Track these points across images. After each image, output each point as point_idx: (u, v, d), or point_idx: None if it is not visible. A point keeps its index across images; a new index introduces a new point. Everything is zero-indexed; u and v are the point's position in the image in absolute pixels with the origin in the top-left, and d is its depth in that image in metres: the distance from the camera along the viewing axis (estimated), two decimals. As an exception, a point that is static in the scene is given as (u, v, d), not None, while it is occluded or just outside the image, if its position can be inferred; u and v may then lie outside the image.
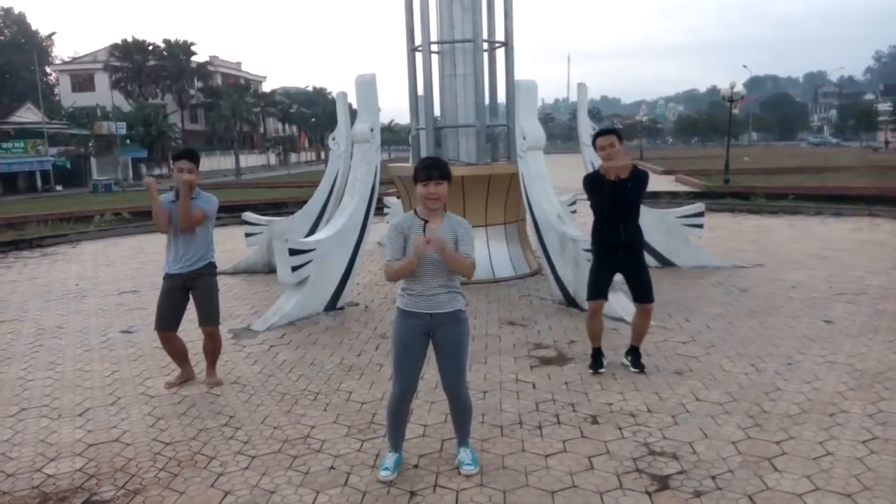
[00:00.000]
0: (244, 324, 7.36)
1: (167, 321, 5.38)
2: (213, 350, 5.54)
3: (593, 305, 5.52)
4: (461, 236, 3.68)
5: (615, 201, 5.22)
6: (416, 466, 3.98)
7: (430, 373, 5.09)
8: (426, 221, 3.65)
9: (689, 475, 3.78)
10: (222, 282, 9.74)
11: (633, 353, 5.60)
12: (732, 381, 5.21)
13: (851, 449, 4.02)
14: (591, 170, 8.87)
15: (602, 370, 5.50)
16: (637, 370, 5.47)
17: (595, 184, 5.34)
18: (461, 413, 3.92)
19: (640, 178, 5.32)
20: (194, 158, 5.27)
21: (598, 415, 4.66)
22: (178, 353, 5.53)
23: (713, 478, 3.74)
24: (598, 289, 5.50)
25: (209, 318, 5.42)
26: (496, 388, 5.21)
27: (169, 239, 5.33)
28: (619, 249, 5.35)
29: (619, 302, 7.11)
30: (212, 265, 5.41)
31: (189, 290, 5.35)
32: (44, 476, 4.02)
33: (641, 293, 5.47)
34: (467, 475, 3.83)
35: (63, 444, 4.45)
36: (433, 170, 3.60)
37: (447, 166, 3.69)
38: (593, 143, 5.44)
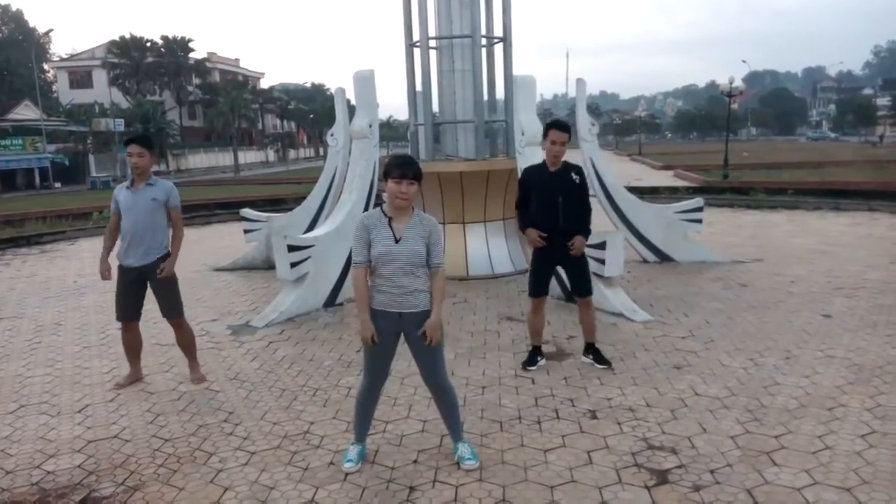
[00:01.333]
0: (243, 320, 7.36)
1: (128, 312, 5.34)
2: (186, 342, 5.47)
3: (535, 302, 5.46)
4: (432, 242, 3.70)
5: (555, 191, 5.19)
6: (415, 462, 3.98)
7: (429, 368, 5.10)
8: (391, 218, 3.68)
9: (688, 469, 3.78)
10: (222, 278, 9.80)
11: (592, 350, 5.54)
12: (731, 375, 5.22)
13: (850, 443, 4.02)
14: (590, 166, 8.92)
15: (533, 368, 5.46)
16: (604, 366, 5.42)
17: (535, 175, 5.32)
18: (447, 403, 3.94)
19: (580, 171, 5.32)
20: (145, 143, 5.18)
21: (597, 410, 4.67)
22: (134, 346, 5.48)
23: (712, 472, 3.75)
24: (540, 285, 5.43)
25: (172, 310, 5.34)
26: (495, 384, 5.21)
27: (121, 229, 5.18)
28: (557, 238, 5.21)
29: (619, 298, 7.12)
30: (167, 256, 5.24)
31: (146, 281, 5.24)
32: (43, 472, 4.03)
33: (579, 286, 5.44)
34: (468, 470, 3.84)
35: (62, 440, 4.45)
36: (408, 168, 3.61)
37: (419, 167, 3.68)
38: (545, 132, 5.27)
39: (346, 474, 3.85)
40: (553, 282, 7.87)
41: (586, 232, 5.31)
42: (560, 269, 5.75)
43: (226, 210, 17.47)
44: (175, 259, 5.27)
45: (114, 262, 5.31)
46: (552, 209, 5.22)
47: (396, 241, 3.63)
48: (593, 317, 5.58)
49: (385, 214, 3.71)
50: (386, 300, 3.70)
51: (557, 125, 5.25)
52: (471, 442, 4.06)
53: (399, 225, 3.67)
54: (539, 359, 5.56)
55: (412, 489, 3.68)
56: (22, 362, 6.17)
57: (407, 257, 3.63)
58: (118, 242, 5.27)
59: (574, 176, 5.25)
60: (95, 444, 4.39)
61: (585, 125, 9.16)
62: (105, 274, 5.29)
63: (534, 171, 5.42)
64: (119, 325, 5.53)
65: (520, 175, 5.47)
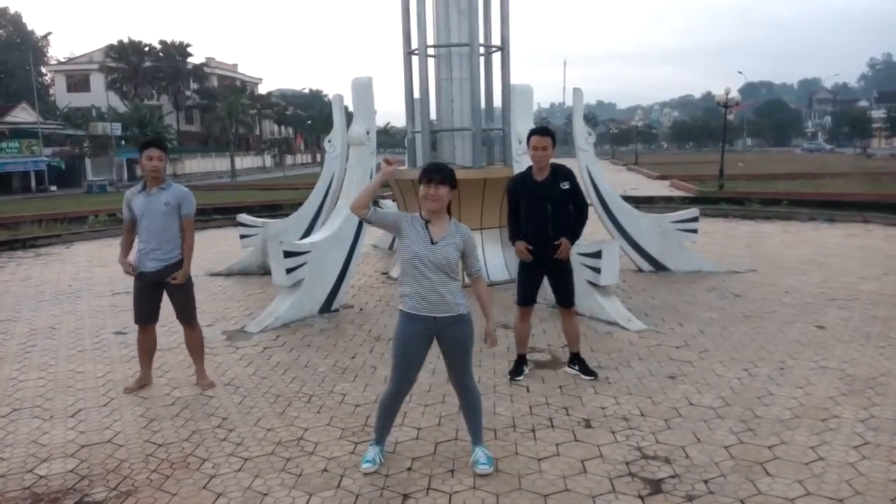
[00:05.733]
0: (238, 325, 7.35)
1: (145, 315, 5.34)
2: (195, 343, 5.47)
3: (523, 311, 5.47)
4: (468, 250, 3.85)
5: (543, 199, 5.19)
6: (409, 469, 3.98)
7: (423, 375, 5.08)
8: (428, 221, 3.80)
9: (682, 479, 3.79)
10: (217, 283, 9.78)
11: (578, 361, 5.52)
12: (725, 385, 5.23)
13: (843, 454, 4.03)
14: (586, 175, 8.95)
15: (520, 378, 5.44)
16: (591, 378, 5.38)
17: (521, 184, 5.30)
18: (471, 406, 3.99)
19: (570, 176, 5.27)
20: (164, 146, 5.27)
21: (592, 418, 4.67)
22: (148, 349, 5.46)
23: (705, 482, 3.75)
24: (527, 294, 5.43)
25: (186, 313, 5.37)
26: (490, 392, 5.20)
27: (137, 234, 5.21)
28: (548, 249, 5.23)
29: (614, 307, 7.13)
30: (181, 262, 5.28)
31: (162, 285, 5.25)
32: (35, 477, 4.01)
33: (565, 297, 5.44)
34: (482, 474, 3.85)
35: (55, 444, 4.43)
36: (434, 172, 3.78)
37: (451, 173, 3.82)
38: (528, 140, 5.32)
39: (341, 480, 3.85)
40: (549, 290, 7.93)
41: (574, 237, 5.31)
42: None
43: (222, 215, 17.48)
44: (188, 267, 5.31)
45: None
46: (541, 219, 5.20)
47: (433, 243, 3.72)
48: (576, 327, 5.57)
49: (423, 218, 3.83)
50: (419, 305, 3.76)
51: (537, 130, 5.29)
52: (487, 446, 4.06)
53: (436, 229, 3.77)
54: (525, 368, 5.55)
55: (406, 496, 3.68)
56: (15, 366, 6.15)
57: (439, 261, 3.71)
58: (135, 245, 5.30)
59: (563, 183, 5.21)
60: (88, 448, 4.37)
61: (582, 134, 9.19)
62: (127, 268, 5.27)
63: (520, 180, 5.40)
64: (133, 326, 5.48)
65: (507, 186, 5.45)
